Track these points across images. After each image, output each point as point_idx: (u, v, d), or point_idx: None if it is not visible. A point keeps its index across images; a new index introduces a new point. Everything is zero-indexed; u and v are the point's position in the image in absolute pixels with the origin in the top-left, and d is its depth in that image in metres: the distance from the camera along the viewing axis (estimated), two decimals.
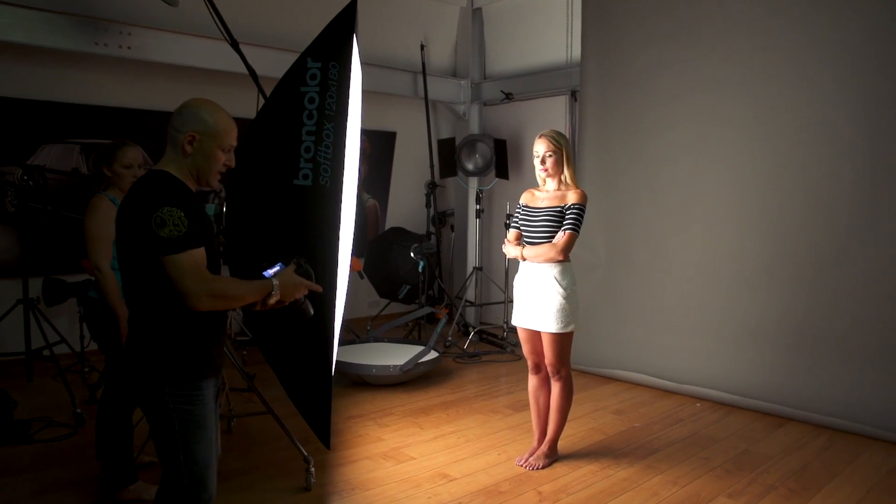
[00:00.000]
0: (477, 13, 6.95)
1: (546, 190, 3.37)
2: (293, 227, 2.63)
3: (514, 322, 3.45)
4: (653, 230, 4.97)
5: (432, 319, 6.62)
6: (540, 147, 3.29)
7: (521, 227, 3.38)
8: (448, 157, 6.46)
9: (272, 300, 1.91)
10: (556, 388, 3.40)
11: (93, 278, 2.93)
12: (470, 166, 6.36)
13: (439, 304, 6.65)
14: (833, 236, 4.12)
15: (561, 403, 3.41)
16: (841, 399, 4.03)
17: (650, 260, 4.98)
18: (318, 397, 2.73)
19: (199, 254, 1.79)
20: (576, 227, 3.21)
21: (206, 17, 3.74)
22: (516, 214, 3.43)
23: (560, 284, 3.24)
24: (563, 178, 3.33)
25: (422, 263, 5.75)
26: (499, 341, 6.03)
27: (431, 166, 6.62)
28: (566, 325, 3.26)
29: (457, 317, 6.34)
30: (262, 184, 2.67)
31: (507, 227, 6.06)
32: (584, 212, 3.24)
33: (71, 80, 4.88)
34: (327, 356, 2.63)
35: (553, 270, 3.25)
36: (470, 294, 6.73)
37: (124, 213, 1.84)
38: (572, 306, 3.27)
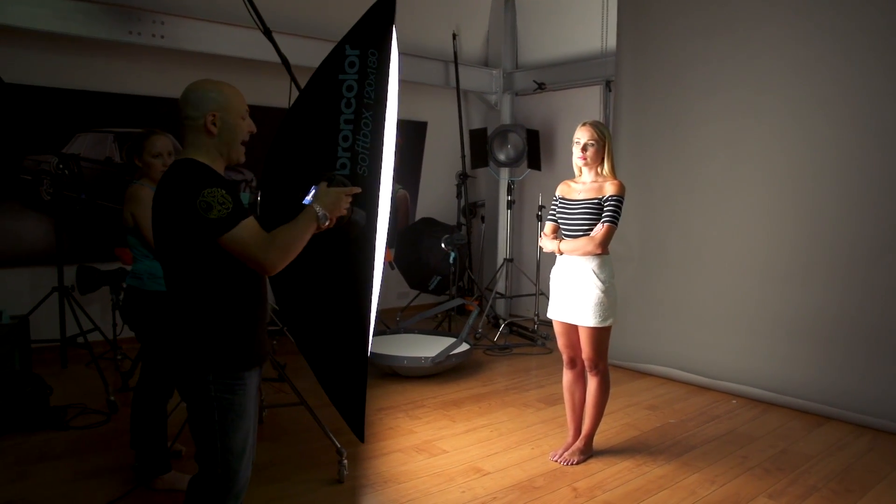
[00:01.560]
0: (510, 2, 6.86)
1: (582, 181, 3.29)
2: None
3: (550, 315, 3.39)
4: (687, 224, 4.87)
5: (462, 311, 6.58)
6: (582, 135, 3.21)
7: (559, 220, 3.31)
8: (480, 147, 6.39)
9: (325, 223, 1.92)
10: (592, 383, 3.34)
11: (127, 267, 2.94)
12: (502, 157, 6.29)
13: (469, 295, 6.60)
14: (870, 231, 4.01)
15: (598, 399, 3.35)
16: (883, 398, 3.91)
17: (684, 254, 4.88)
18: (352, 389, 2.69)
19: (252, 222, 1.80)
20: (614, 220, 3.14)
21: (239, 5, 3.70)
22: (552, 207, 3.37)
23: (598, 278, 3.17)
24: (599, 169, 3.25)
25: (453, 254, 5.70)
26: (530, 334, 5.97)
27: (462, 157, 6.56)
28: (604, 319, 3.19)
29: (487, 309, 6.29)
30: (298, 173, 2.63)
31: (540, 218, 6.01)
32: (622, 204, 3.17)
33: (105, 69, 4.90)
34: (363, 347, 2.58)
35: (591, 264, 3.18)
36: (500, 286, 6.67)
37: (161, 204, 1.83)
38: (611, 300, 3.20)
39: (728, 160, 4.65)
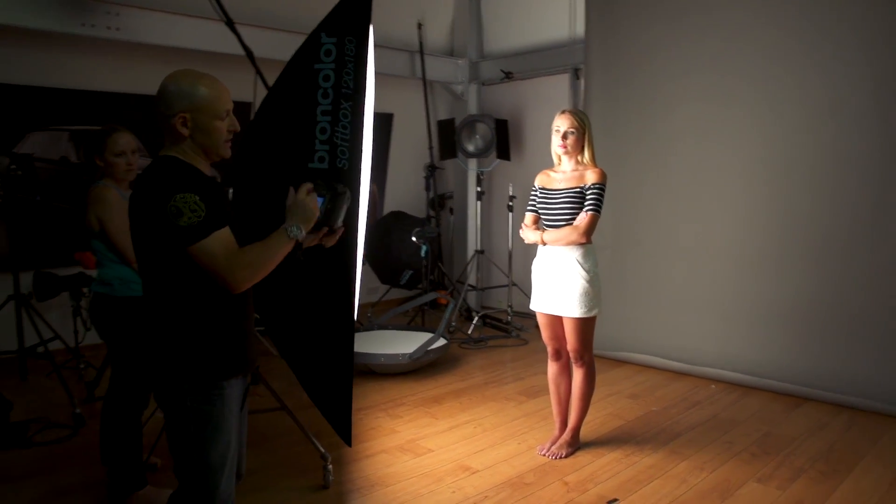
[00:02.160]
0: None
1: (562, 170, 3.24)
2: None
3: (532, 307, 3.33)
4: (660, 210, 4.87)
5: (434, 305, 6.50)
6: (562, 123, 3.15)
7: (539, 210, 3.25)
8: (448, 138, 6.30)
9: (301, 237, 1.80)
10: (578, 374, 3.29)
11: (89, 272, 2.77)
12: (470, 147, 6.21)
13: (442, 288, 6.52)
14: (847, 215, 4.05)
15: (584, 390, 3.31)
16: (858, 378, 3.97)
17: (658, 240, 4.88)
18: (338, 391, 2.60)
19: (226, 234, 1.69)
20: (597, 208, 3.09)
21: None
22: (532, 197, 3.30)
23: (583, 267, 3.13)
24: (580, 157, 3.20)
25: (424, 248, 5.61)
26: (504, 326, 5.92)
27: (430, 148, 6.46)
28: (590, 310, 3.14)
29: (460, 301, 6.22)
30: (273, 168, 2.51)
31: (511, 209, 5.95)
32: (604, 191, 3.12)
33: (57, 64, 4.65)
34: (348, 347, 2.49)
35: (575, 253, 3.13)
36: (471, 278, 6.61)
37: (136, 207, 1.72)
38: (595, 290, 3.15)
39: (700, 145, 4.65)
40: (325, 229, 1.98)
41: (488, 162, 6.33)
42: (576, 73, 5.94)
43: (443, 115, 6.89)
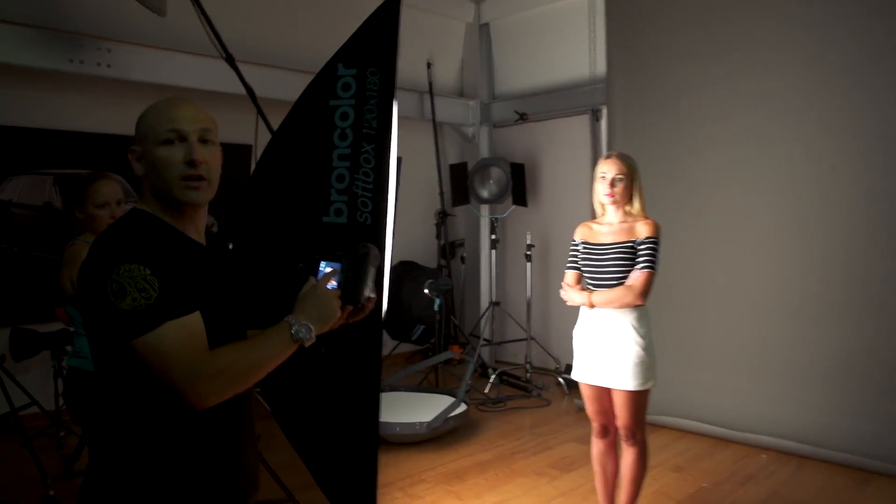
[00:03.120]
0: (484, 29, 6.49)
1: (608, 222, 2.85)
2: None
3: (577, 377, 2.90)
4: (692, 260, 4.50)
5: (448, 361, 6.05)
6: (609, 168, 2.78)
7: (582, 268, 2.85)
8: (460, 183, 5.95)
9: (309, 341, 1.33)
10: (630, 454, 2.86)
11: (71, 328, 2.37)
12: (484, 193, 5.85)
13: (455, 344, 6.07)
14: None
15: (636, 473, 2.87)
16: None
17: (690, 293, 4.49)
18: (358, 481, 2.16)
19: (188, 325, 1.22)
20: (653, 265, 2.70)
21: (196, 31, 3.22)
22: (573, 253, 2.92)
23: (638, 333, 2.72)
24: (628, 207, 2.83)
25: (438, 301, 5.20)
26: (522, 384, 5.47)
27: (441, 194, 6.10)
28: (646, 381, 2.73)
29: (476, 358, 5.78)
30: (280, 223, 2.12)
31: (529, 258, 5.57)
32: (659, 246, 2.74)
33: (42, 103, 4.30)
34: (373, 425, 2.07)
35: (629, 317, 2.73)
36: (485, 332, 6.18)
37: (80, 280, 1.28)
38: (651, 358, 2.75)
39: (734, 190, 4.35)
40: (349, 308, 1.48)
41: (503, 208, 5.97)
42: (595, 114, 5.61)
43: (453, 159, 6.55)
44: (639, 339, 2.72)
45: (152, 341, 1.18)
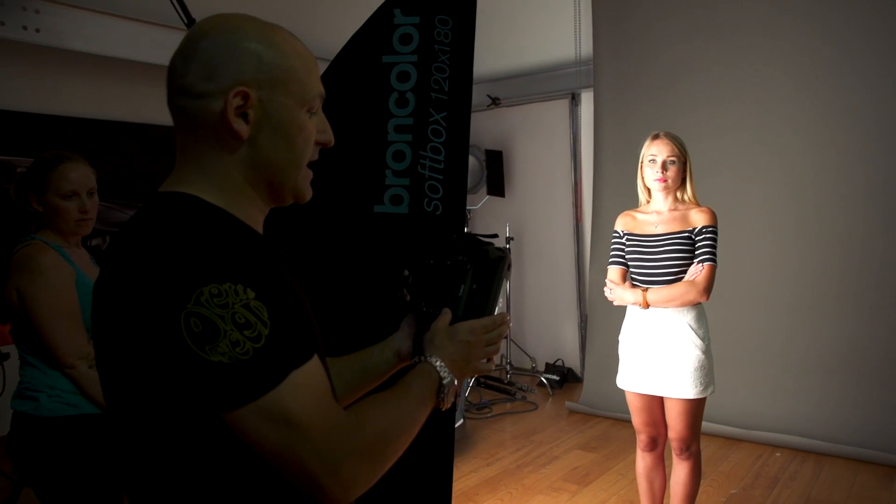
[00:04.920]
0: None
1: (655, 210, 2.54)
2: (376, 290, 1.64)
3: (624, 386, 2.57)
4: None
5: None
6: (660, 150, 2.46)
7: (630, 262, 2.52)
8: None
9: (447, 401, 0.95)
10: (683, 469, 2.55)
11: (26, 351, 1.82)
12: None
13: None
14: None
15: (690, 488, 2.57)
16: None
17: None
18: None
19: (316, 373, 0.79)
20: (714, 257, 2.40)
21: None
22: (616, 246, 2.58)
23: (697, 334, 2.42)
24: (679, 194, 2.52)
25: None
26: (505, 386, 5.14)
27: None
28: (706, 387, 2.43)
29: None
30: (321, 217, 1.67)
31: (508, 252, 5.22)
32: (717, 236, 2.44)
33: None
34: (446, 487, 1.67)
35: (687, 317, 2.42)
36: None
37: (111, 295, 0.80)
38: (711, 362, 2.45)
39: (733, 178, 4.14)
40: None
41: (476, 199, 5.60)
42: (574, 99, 5.33)
43: None
44: (698, 342, 2.41)
45: (268, 407, 0.73)
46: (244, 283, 0.74)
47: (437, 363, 0.96)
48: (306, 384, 0.76)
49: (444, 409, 0.95)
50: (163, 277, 0.74)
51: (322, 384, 0.79)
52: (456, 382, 0.97)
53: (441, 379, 0.94)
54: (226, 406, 0.73)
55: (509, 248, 1.08)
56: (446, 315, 1.04)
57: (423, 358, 0.97)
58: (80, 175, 1.86)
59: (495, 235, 1.20)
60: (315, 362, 0.78)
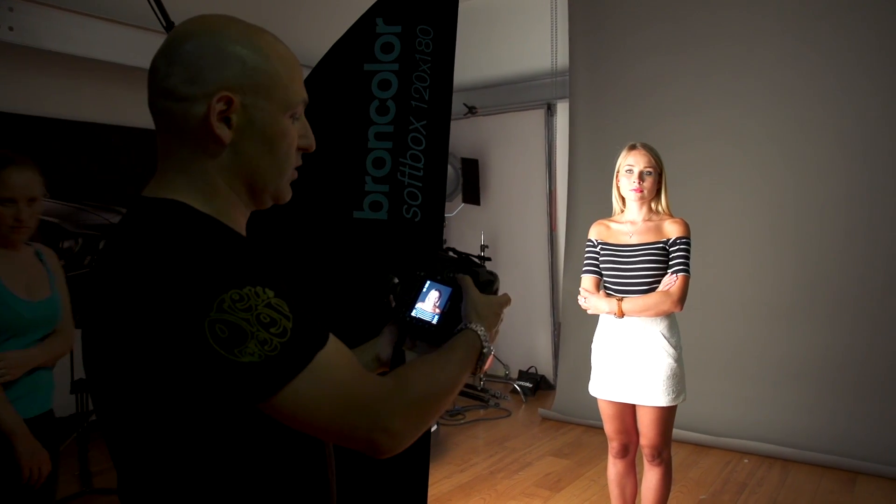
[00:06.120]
0: None
1: (629, 220, 2.58)
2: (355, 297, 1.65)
3: (596, 394, 2.61)
4: None
5: None
6: (637, 160, 2.51)
7: (605, 271, 2.57)
8: None
9: (488, 361, 1.04)
10: (654, 475, 2.59)
11: None
12: None
13: None
14: (880, 261, 3.71)
15: (662, 493, 2.61)
16: None
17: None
18: None
19: (336, 350, 0.82)
20: (688, 268, 2.45)
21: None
22: (589, 255, 2.62)
23: (669, 343, 2.46)
24: (654, 204, 2.57)
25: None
26: (478, 393, 5.16)
27: None
28: (678, 395, 2.47)
29: None
30: (300, 220, 1.68)
31: (482, 259, 5.25)
32: (691, 247, 2.50)
33: None
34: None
35: (660, 326, 2.47)
36: None
37: (115, 314, 0.79)
38: (682, 371, 2.50)
39: (706, 188, 4.22)
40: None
41: (452, 206, 5.63)
42: (549, 109, 5.39)
43: None
44: (671, 350, 2.46)
45: (305, 385, 0.78)
46: (262, 284, 0.77)
47: (481, 331, 1.01)
48: (337, 356, 0.82)
49: (478, 374, 1.03)
50: (179, 290, 0.74)
51: (347, 354, 0.84)
52: (493, 350, 1.04)
53: (482, 347, 1.01)
54: (262, 396, 0.77)
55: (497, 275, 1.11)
56: (469, 280, 1.08)
57: (466, 325, 1.02)
58: (23, 180, 1.78)
59: (488, 259, 1.23)
60: (334, 339, 0.83)
